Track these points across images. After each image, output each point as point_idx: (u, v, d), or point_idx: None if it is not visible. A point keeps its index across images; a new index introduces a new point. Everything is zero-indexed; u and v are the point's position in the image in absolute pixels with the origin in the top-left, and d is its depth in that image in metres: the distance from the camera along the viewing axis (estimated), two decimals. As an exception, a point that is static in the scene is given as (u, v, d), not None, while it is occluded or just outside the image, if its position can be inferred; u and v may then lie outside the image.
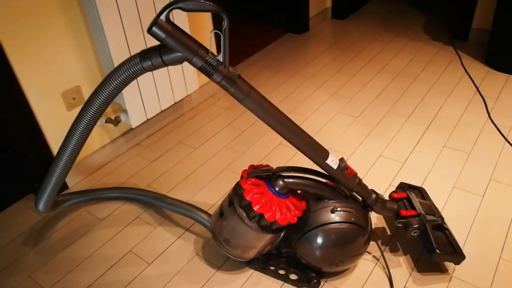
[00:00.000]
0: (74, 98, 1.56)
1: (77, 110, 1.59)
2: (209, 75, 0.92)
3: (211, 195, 1.59)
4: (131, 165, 1.77)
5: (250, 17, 3.17)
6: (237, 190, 1.14)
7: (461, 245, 1.32)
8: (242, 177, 1.16)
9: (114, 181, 1.69)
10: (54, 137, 1.56)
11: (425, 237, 1.22)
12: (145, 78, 1.67)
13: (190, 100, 2.09)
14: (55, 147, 1.57)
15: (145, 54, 0.90)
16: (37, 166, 1.55)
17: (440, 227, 1.25)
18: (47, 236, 1.46)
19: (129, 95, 1.63)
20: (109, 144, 1.77)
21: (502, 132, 1.79)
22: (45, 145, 1.54)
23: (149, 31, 0.85)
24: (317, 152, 1.09)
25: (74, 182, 1.68)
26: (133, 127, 1.73)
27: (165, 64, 0.90)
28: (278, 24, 2.99)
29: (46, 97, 1.48)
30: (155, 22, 0.84)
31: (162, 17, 0.84)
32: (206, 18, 2.01)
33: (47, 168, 1.54)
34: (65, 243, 1.43)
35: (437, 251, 1.17)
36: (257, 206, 1.08)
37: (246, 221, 1.11)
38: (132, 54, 1.58)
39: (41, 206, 1.23)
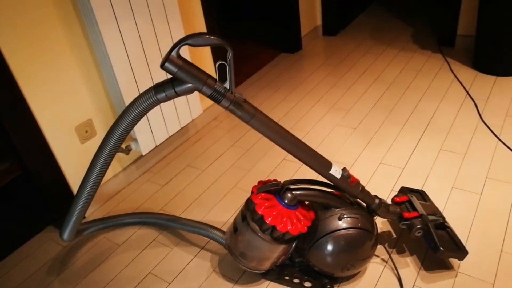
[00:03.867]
0: (86, 131, 1.65)
1: (90, 143, 1.68)
2: (217, 101, 1.01)
3: (222, 213, 1.66)
4: (144, 190, 1.84)
5: (245, 39, 3.29)
6: (249, 205, 1.21)
7: (463, 241, 1.39)
8: (252, 192, 1.24)
9: (129, 207, 1.76)
10: (70, 170, 1.64)
11: (428, 236, 1.29)
12: (152, 107, 1.76)
13: (195, 124, 2.18)
14: (71, 179, 1.65)
15: (159, 87, 0.99)
16: (55, 198, 1.63)
17: (442, 226, 1.32)
18: (70, 265, 1.52)
19: (139, 124, 1.72)
20: (121, 172, 1.85)
21: (494, 131, 1.87)
22: (62, 178, 1.62)
23: (162, 66, 0.94)
24: (321, 164, 1.17)
25: (91, 211, 1.75)
26: (143, 154, 1.82)
27: (178, 95, 0.99)
28: (272, 45, 3.10)
29: (60, 131, 1.57)
30: (167, 58, 0.93)
31: (173, 53, 0.93)
32: (205, 50, 2.11)
33: (64, 200, 1.63)
34: (87, 270, 1.49)
35: (441, 248, 1.23)
36: (269, 219, 1.15)
37: (259, 234, 1.18)
38: (139, 86, 1.67)
39: (66, 236, 1.31)
